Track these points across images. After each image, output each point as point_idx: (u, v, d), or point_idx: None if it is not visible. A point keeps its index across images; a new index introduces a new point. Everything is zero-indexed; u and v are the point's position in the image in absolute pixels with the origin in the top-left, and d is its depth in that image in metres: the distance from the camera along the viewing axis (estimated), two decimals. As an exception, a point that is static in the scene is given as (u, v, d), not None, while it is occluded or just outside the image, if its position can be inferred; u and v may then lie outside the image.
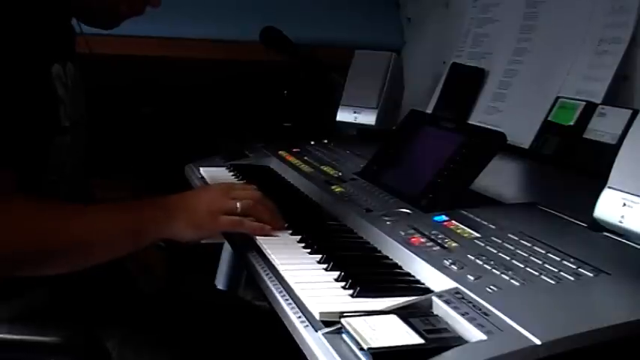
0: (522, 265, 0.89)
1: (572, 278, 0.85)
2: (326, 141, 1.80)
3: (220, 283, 1.97)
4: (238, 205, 1.10)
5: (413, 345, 0.71)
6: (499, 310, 0.76)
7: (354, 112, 1.81)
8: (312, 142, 1.79)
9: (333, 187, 1.36)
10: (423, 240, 1.02)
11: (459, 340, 0.73)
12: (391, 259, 1.01)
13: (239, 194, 1.13)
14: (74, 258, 1.03)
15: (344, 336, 0.76)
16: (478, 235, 1.02)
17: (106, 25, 1.21)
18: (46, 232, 1.00)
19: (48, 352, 1.08)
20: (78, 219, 1.03)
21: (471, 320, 0.75)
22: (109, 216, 1.06)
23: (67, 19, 1.18)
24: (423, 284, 0.91)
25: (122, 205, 1.09)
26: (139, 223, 1.07)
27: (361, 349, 0.72)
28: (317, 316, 0.81)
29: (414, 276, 0.94)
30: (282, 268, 0.98)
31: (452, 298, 0.81)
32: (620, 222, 0.96)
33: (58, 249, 1.01)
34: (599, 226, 1.01)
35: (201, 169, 1.62)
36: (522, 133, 1.32)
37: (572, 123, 1.23)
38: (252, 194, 1.14)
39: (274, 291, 0.94)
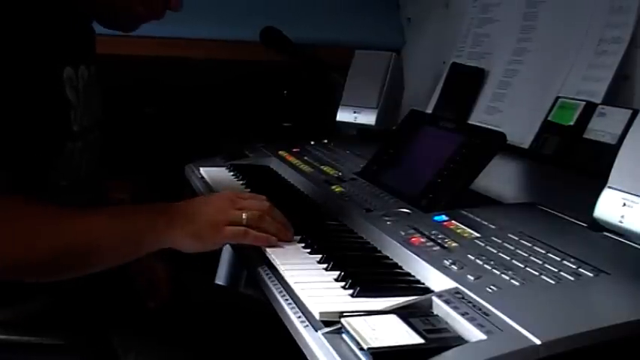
0: (522, 265, 0.89)
1: (572, 278, 0.85)
2: (326, 141, 1.80)
3: (220, 282, 1.97)
4: (244, 215, 1.03)
5: (413, 345, 0.71)
6: (499, 310, 0.76)
7: (354, 112, 1.81)
8: (312, 142, 1.79)
9: (333, 187, 1.36)
10: (423, 240, 1.02)
11: (459, 340, 0.73)
12: (391, 259, 1.01)
13: (246, 204, 1.06)
14: (66, 265, 0.98)
15: (344, 336, 0.76)
16: (478, 235, 1.02)
17: (124, 27, 1.17)
18: (33, 236, 0.94)
19: (54, 353, 1.08)
20: (71, 224, 0.98)
21: (471, 320, 0.75)
22: (106, 222, 1.00)
23: (85, 21, 1.17)
24: (423, 284, 0.91)
25: (120, 211, 1.04)
26: (136, 231, 1.01)
27: (361, 349, 0.72)
28: (317, 316, 0.81)
29: (414, 276, 0.94)
30: (282, 268, 0.98)
31: (452, 298, 0.81)
32: (620, 222, 0.96)
33: (46, 255, 0.95)
34: (599, 226, 1.01)
35: (201, 169, 1.62)
36: (522, 133, 1.32)
37: (572, 123, 1.23)
38: (260, 205, 1.07)
39: (274, 291, 0.94)
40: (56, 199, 1.07)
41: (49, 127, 1.03)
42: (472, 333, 0.73)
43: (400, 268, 0.98)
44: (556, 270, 0.87)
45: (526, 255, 0.93)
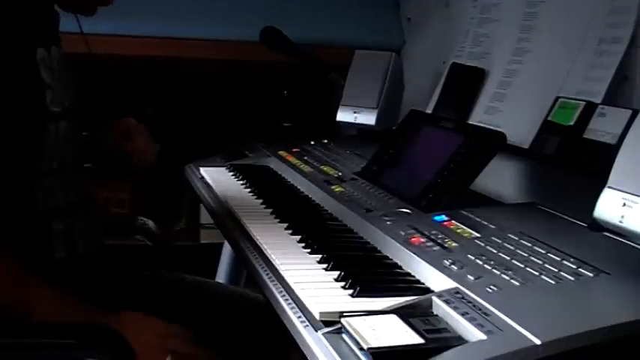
0: (522, 265, 0.89)
1: (572, 278, 0.85)
2: (326, 141, 1.80)
3: (221, 281, 1.97)
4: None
5: (413, 345, 0.71)
6: (499, 310, 0.76)
7: (354, 112, 1.80)
8: (312, 142, 1.79)
9: (333, 187, 1.36)
10: (423, 240, 1.02)
11: (459, 340, 0.73)
12: (391, 259, 1.01)
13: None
14: None
15: (344, 336, 0.76)
16: (478, 235, 1.02)
17: (83, 9, 1.20)
18: None
19: (66, 352, 1.08)
20: None
21: (471, 320, 0.75)
22: None
23: (49, 3, 1.19)
24: (423, 284, 0.91)
25: None
26: None
27: (361, 349, 0.72)
28: (317, 316, 0.82)
29: (414, 276, 0.94)
30: (282, 268, 0.98)
31: (452, 298, 0.81)
32: (620, 222, 0.96)
33: None
34: (599, 226, 1.01)
35: (201, 169, 1.62)
36: (522, 133, 1.32)
37: (572, 123, 1.23)
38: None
39: (274, 291, 0.94)
40: (46, 185, 1.08)
41: (25, 108, 1.04)
42: (472, 333, 0.73)
43: (400, 268, 0.98)
44: (556, 270, 0.87)
45: (526, 255, 0.93)
